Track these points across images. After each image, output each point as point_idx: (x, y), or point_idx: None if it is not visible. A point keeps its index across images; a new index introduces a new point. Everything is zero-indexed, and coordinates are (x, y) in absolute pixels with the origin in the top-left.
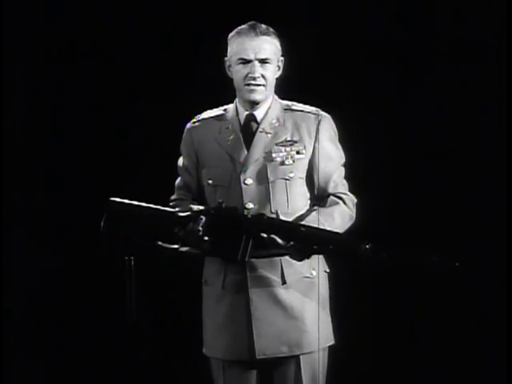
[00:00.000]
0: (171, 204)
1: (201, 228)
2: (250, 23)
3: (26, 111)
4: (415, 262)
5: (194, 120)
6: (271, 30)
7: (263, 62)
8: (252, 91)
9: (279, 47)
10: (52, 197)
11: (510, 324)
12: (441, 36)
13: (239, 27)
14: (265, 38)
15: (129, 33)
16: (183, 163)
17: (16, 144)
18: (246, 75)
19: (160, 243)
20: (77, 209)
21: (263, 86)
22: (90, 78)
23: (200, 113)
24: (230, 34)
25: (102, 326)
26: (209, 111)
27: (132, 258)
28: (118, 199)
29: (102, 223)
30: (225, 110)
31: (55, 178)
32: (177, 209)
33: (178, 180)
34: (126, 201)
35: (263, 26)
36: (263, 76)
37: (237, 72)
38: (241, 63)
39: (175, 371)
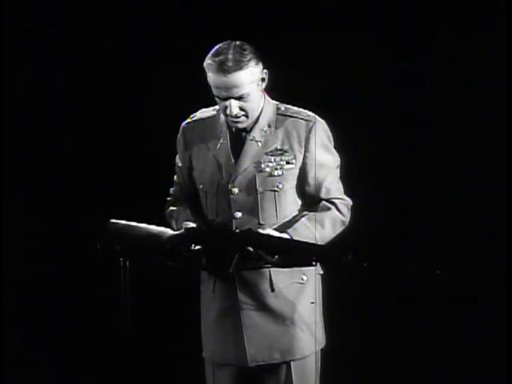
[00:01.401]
0: (168, 199)
1: (191, 248)
2: (216, 58)
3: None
4: (395, 271)
5: (189, 120)
6: (244, 58)
7: (239, 97)
8: (235, 122)
9: (257, 70)
10: (50, 198)
11: (510, 324)
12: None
13: (208, 60)
14: (236, 74)
15: (127, 32)
16: (178, 163)
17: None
18: (225, 110)
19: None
20: (75, 209)
21: (245, 116)
22: (89, 79)
23: (196, 110)
24: (204, 63)
25: (98, 328)
26: (203, 110)
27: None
28: (115, 221)
29: (99, 244)
30: (218, 110)
31: (54, 180)
32: (172, 210)
33: (175, 176)
34: (123, 222)
35: (232, 58)
36: (242, 109)
37: (217, 102)
38: (217, 98)
39: (171, 373)
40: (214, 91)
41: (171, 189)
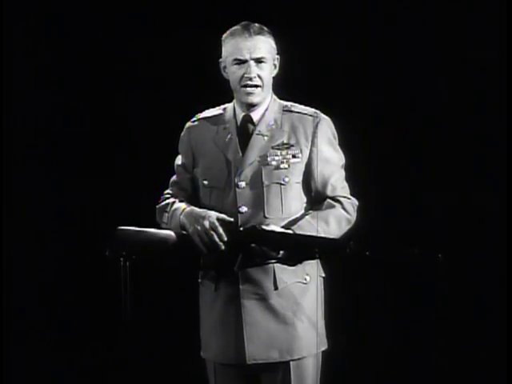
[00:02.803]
0: (162, 197)
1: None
2: (243, 23)
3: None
4: (397, 257)
5: (194, 119)
6: (265, 29)
7: (259, 61)
8: (249, 94)
9: (274, 46)
10: (50, 198)
11: (510, 324)
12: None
13: (232, 28)
14: (259, 37)
15: (128, 33)
16: (180, 161)
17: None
18: (242, 76)
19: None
20: (74, 209)
21: (260, 87)
22: (90, 78)
23: (200, 111)
24: (224, 35)
25: (98, 326)
26: (208, 110)
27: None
28: (123, 227)
29: (108, 251)
30: (224, 109)
31: (54, 177)
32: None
33: (174, 177)
34: (131, 228)
35: (257, 25)
36: (259, 76)
37: (233, 73)
38: (236, 64)
39: (171, 372)
40: (235, 55)
41: (167, 190)
